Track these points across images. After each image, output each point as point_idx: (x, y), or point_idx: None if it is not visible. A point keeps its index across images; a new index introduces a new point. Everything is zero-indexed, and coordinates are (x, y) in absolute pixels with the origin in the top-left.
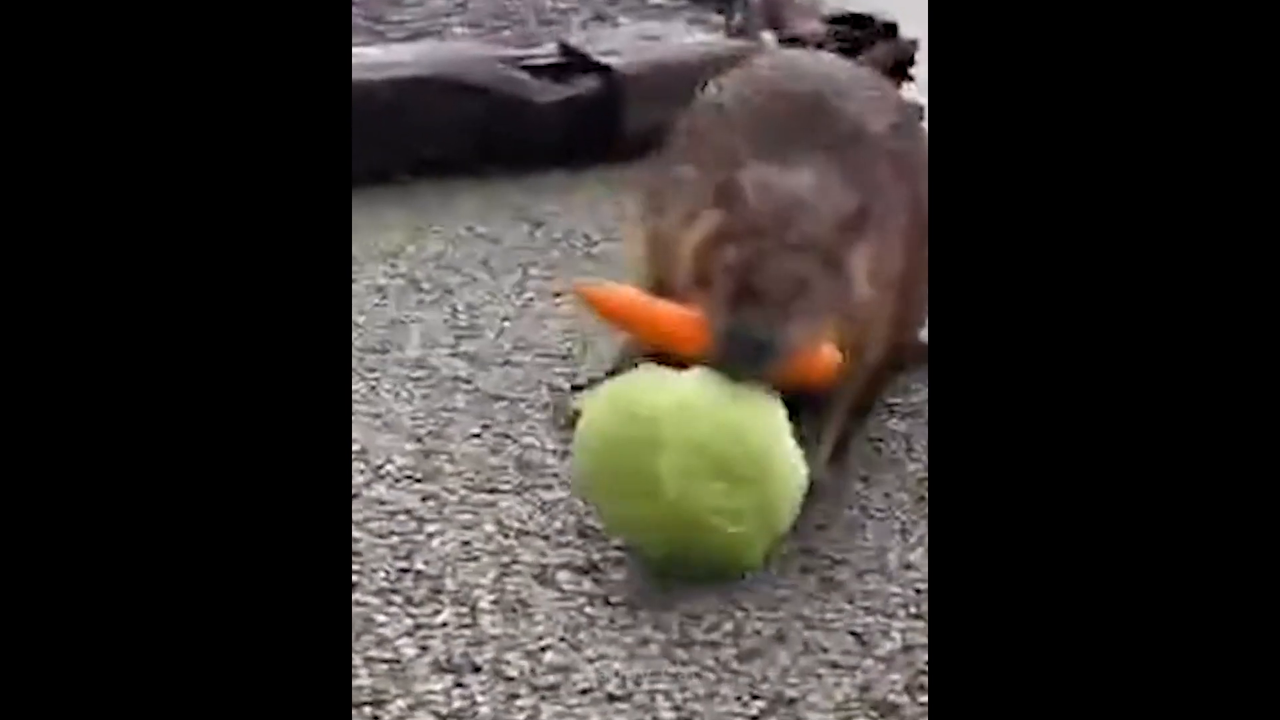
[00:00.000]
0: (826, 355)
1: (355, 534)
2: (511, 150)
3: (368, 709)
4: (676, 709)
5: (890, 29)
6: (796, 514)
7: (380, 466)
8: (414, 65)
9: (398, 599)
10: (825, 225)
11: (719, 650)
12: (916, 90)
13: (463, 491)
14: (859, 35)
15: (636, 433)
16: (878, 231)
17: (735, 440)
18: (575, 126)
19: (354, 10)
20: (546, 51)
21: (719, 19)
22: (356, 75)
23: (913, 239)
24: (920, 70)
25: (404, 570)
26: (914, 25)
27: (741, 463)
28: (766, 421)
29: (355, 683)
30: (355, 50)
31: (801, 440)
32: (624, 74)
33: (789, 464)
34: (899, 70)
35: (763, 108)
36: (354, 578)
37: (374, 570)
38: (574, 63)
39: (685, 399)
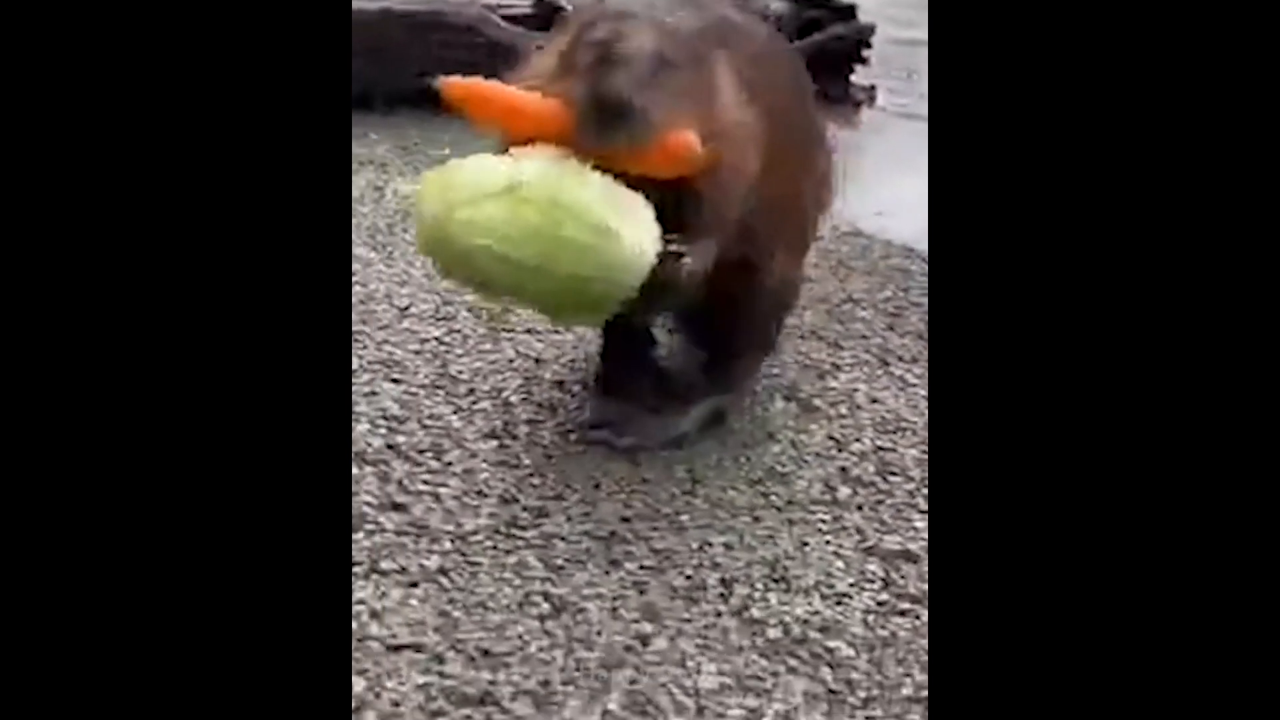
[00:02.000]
0: (684, 140)
1: (394, 351)
2: None
3: (427, 455)
4: (690, 473)
5: (849, 10)
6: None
7: (406, 308)
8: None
9: (440, 392)
10: (690, 24)
11: (723, 437)
12: (864, 76)
13: (482, 331)
14: (818, 15)
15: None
16: (737, 65)
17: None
18: None
19: None
20: (524, 2)
21: None
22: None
23: (781, 146)
24: (873, 54)
25: (441, 373)
26: (871, 13)
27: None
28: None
29: (413, 439)
30: None
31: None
32: None
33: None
34: (855, 52)
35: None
36: (399, 377)
37: (416, 371)
38: (548, 14)
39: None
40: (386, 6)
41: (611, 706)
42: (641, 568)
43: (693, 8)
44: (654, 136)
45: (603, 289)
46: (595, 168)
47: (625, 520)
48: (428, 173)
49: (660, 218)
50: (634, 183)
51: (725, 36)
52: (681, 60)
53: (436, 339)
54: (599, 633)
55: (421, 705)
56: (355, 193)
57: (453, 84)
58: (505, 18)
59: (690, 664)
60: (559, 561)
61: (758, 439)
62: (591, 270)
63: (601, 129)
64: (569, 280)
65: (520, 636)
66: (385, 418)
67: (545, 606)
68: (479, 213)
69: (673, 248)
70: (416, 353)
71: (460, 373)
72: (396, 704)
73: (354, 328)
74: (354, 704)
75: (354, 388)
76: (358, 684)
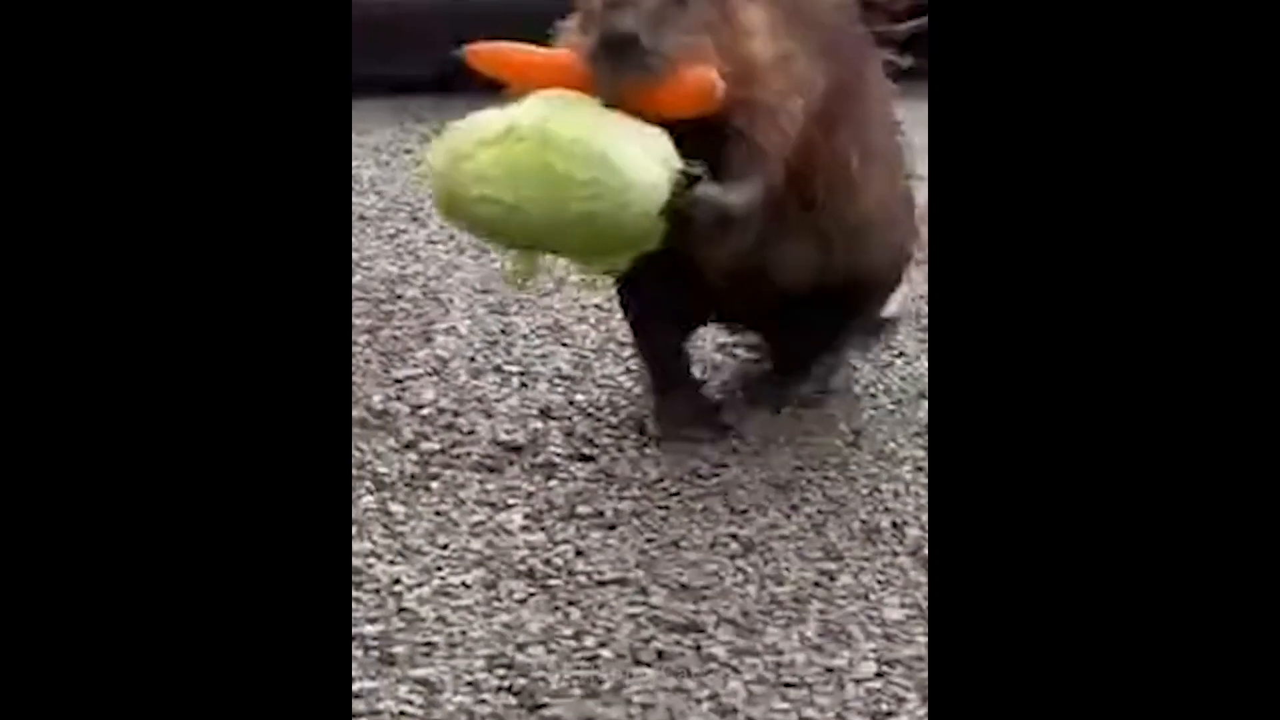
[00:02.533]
0: (705, 75)
1: (560, 317)
2: None
3: (605, 412)
4: (852, 427)
5: None
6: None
7: (563, 279)
8: None
9: (609, 355)
10: None
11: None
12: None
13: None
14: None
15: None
16: (774, 9)
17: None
18: None
19: None
20: None
21: None
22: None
23: (838, 69)
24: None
25: (608, 337)
26: None
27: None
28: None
29: (590, 396)
30: None
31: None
32: None
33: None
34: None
35: None
36: (568, 341)
37: (585, 335)
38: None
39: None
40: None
41: (808, 634)
42: (819, 511)
43: None
44: (666, 72)
45: (611, 219)
46: (613, 109)
47: (798, 469)
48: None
49: (699, 158)
50: (662, 124)
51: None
52: (700, 4)
53: (597, 306)
54: (787, 569)
55: (633, 632)
56: None
57: (476, 49)
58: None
59: (874, 597)
60: (742, 506)
61: (910, 396)
62: (593, 202)
63: (612, 67)
64: (577, 218)
65: (715, 572)
66: (561, 377)
67: (735, 546)
68: (476, 162)
69: (698, 172)
70: (580, 319)
71: (625, 336)
72: (610, 630)
73: (519, 296)
74: (572, 631)
75: (529, 350)
76: (573, 613)
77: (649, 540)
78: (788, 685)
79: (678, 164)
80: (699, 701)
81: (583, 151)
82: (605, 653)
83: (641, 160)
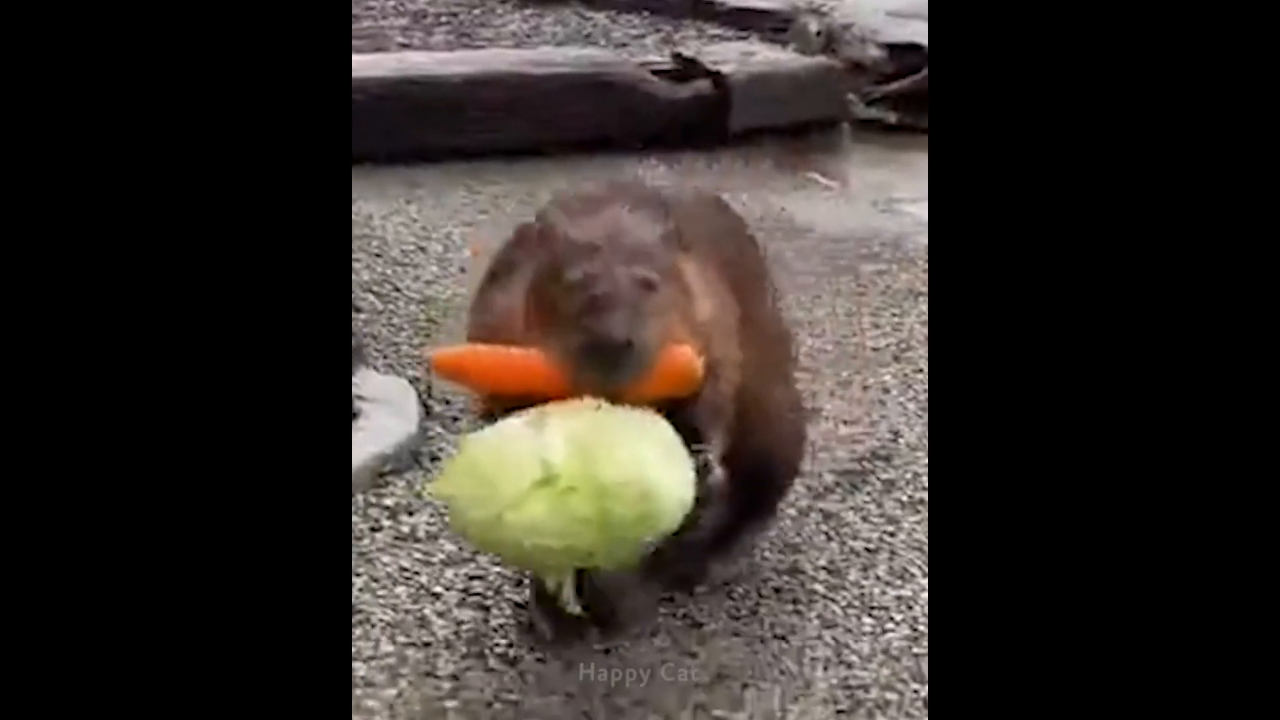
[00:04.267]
0: (684, 357)
1: None
2: (639, 136)
3: None
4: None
5: None
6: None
7: None
8: (565, 64)
9: None
10: (651, 236)
11: None
12: None
13: None
14: (917, 61)
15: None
16: (699, 259)
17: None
18: (692, 120)
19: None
20: (663, 59)
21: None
22: (521, 70)
23: (744, 291)
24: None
25: None
26: None
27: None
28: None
29: None
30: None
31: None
32: (733, 78)
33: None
34: None
35: (571, 198)
36: None
37: None
38: (689, 69)
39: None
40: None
41: None
42: None
43: (643, 209)
44: (654, 364)
45: (657, 537)
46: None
47: None
48: (450, 463)
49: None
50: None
51: (681, 232)
52: (657, 277)
53: None
54: None
55: None
56: None
57: (442, 355)
58: (654, 71)
59: None
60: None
61: None
62: (647, 531)
63: (605, 373)
64: (630, 545)
65: None
66: None
67: None
68: (525, 514)
69: (703, 459)
70: None
71: None
72: None
73: None
74: None
75: None
76: None
77: None
78: None
79: (689, 460)
80: None
81: (635, 492)
82: None
83: (681, 479)
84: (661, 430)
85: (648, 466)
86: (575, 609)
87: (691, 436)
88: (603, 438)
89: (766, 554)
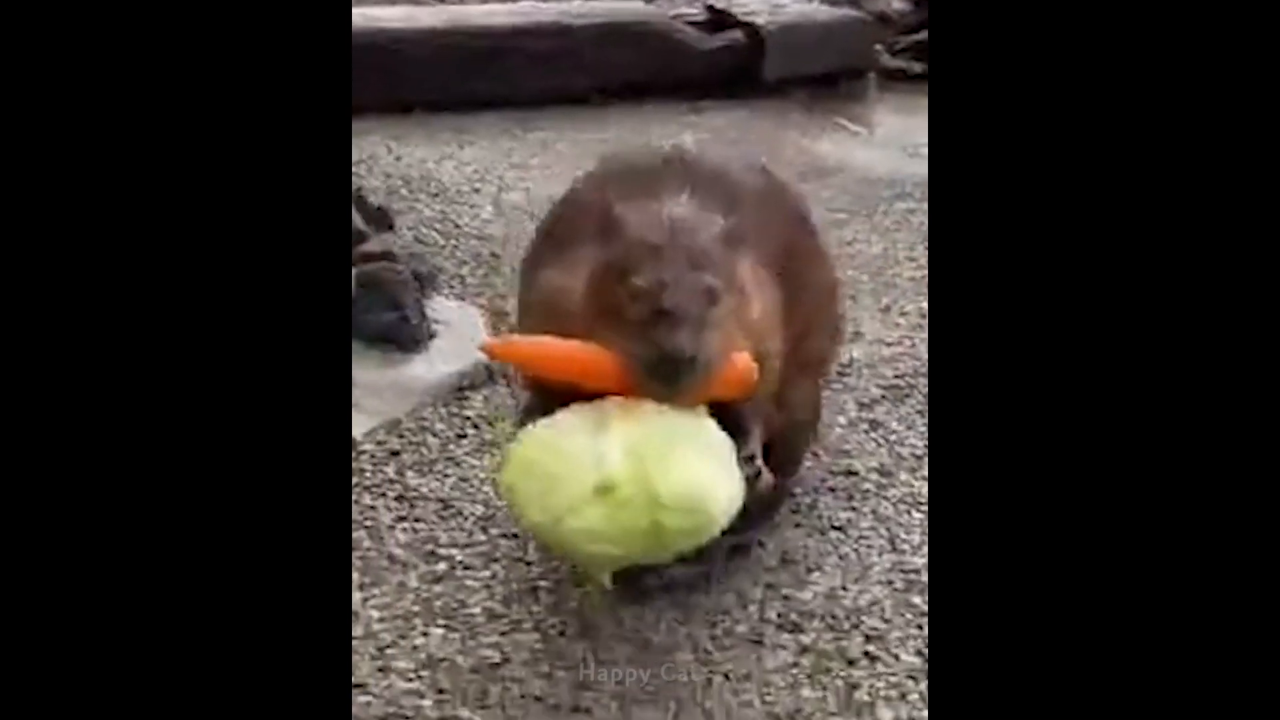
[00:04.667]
0: (744, 363)
1: None
2: (675, 84)
3: None
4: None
5: None
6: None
7: None
8: (603, 15)
9: None
10: (713, 241)
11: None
12: None
13: None
14: None
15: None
16: (753, 249)
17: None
18: (726, 69)
19: None
20: (696, 10)
21: None
22: (563, 20)
23: (787, 268)
24: None
25: None
26: None
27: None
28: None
29: None
30: (557, 4)
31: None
32: (765, 29)
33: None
34: None
35: (625, 172)
36: None
37: None
38: (722, 20)
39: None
40: (588, 22)
41: None
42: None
43: (702, 197)
44: (715, 374)
45: (701, 541)
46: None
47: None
48: (512, 453)
49: (724, 423)
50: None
51: (742, 228)
52: (720, 285)
53: None
54: None
55: None
56: None
57: (494, 344)
58: (688, 22)
59: None
60: None
61: None
62: (695, 540)
63: (670, 386)
64: (674, 550)
65: None
66: None
67: None
68: (584, 521)
69: (751, 468)
70: None
71: None
72: None
73: None
74: None
75: None
76: None
77: None
78: None
79: (737, 467)
80: None
81: (687, 506)
82: None
83: (731, 491)
84: (714, 438)
85: (701, 481)
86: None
87: (737, 430)
88: (659, 450)
89: (823, 458)
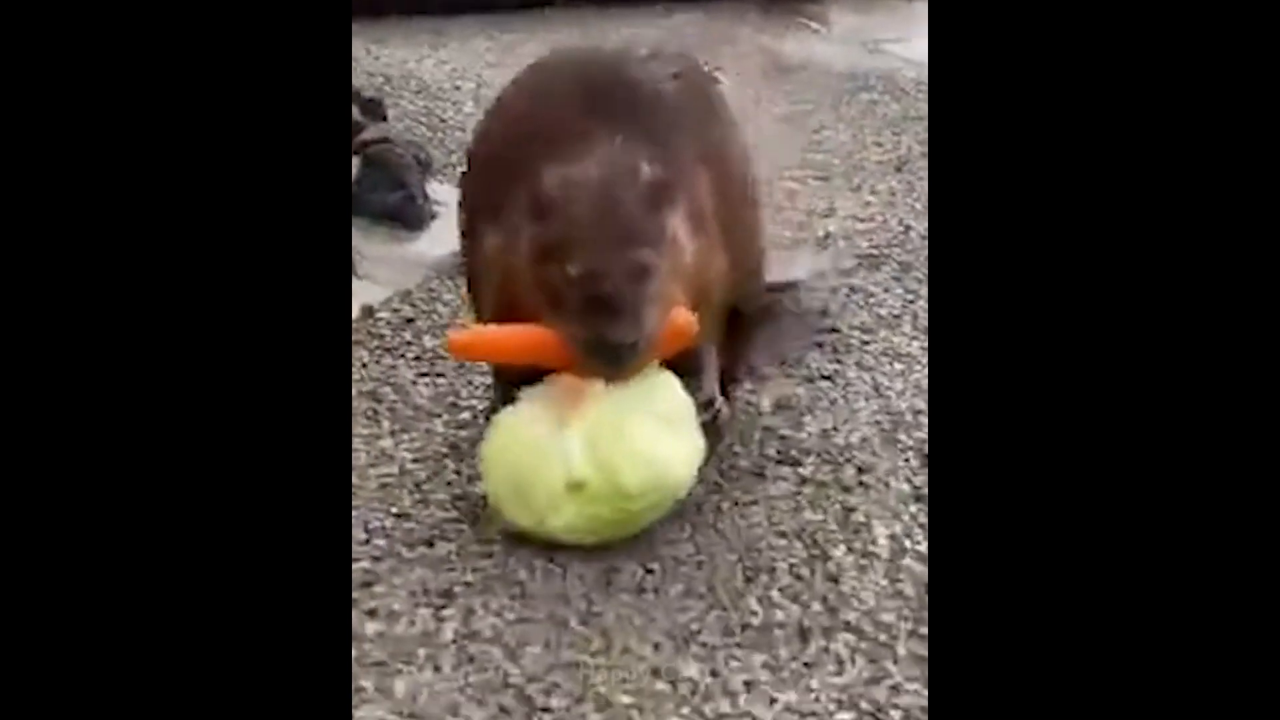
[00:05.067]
0: (683, 321)
1: None
2: None
3: None
4: None
5: None
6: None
7: None
8: None
9: None
10: (641, 207)
11: None
12: None
13: None
14: None
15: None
16: (685, 188)
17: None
18: None
19: None
20: None
21: None
22: None
23: (724, 187)
24: None
25: None
26: None
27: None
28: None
29: None
30: None
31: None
32: None
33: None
34: None
35: (552, 95)
36: None
37: None
38: None
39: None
40: None
41: None
42: None
43: (628, 152)
44: (654, 346)
45: (668, 508)
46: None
47: None
48: (485, 459)
49: (680, 370)
50: None
51: (668, 176)
52: (652, 258)
53: None
54: None
55: None
56: None
57: (454, 339)
58: None
59: None
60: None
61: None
62: (665, 508)
63: (611, 367)
64: (648, 521)
65: None
66: None
67: None
68: (561, 518)
69: (709, 413)
70: None
71: None
72: None
73: None
74: None
75: None
76: None
77: None
78: None
79: (698, 427)
80: None
81: (651, 488)
82: None
83: (690, 450)
84: (667, 404)
85: (661, 460)
86: None
87: (691, 370)
88: (615, 434)
89: (809, 319)
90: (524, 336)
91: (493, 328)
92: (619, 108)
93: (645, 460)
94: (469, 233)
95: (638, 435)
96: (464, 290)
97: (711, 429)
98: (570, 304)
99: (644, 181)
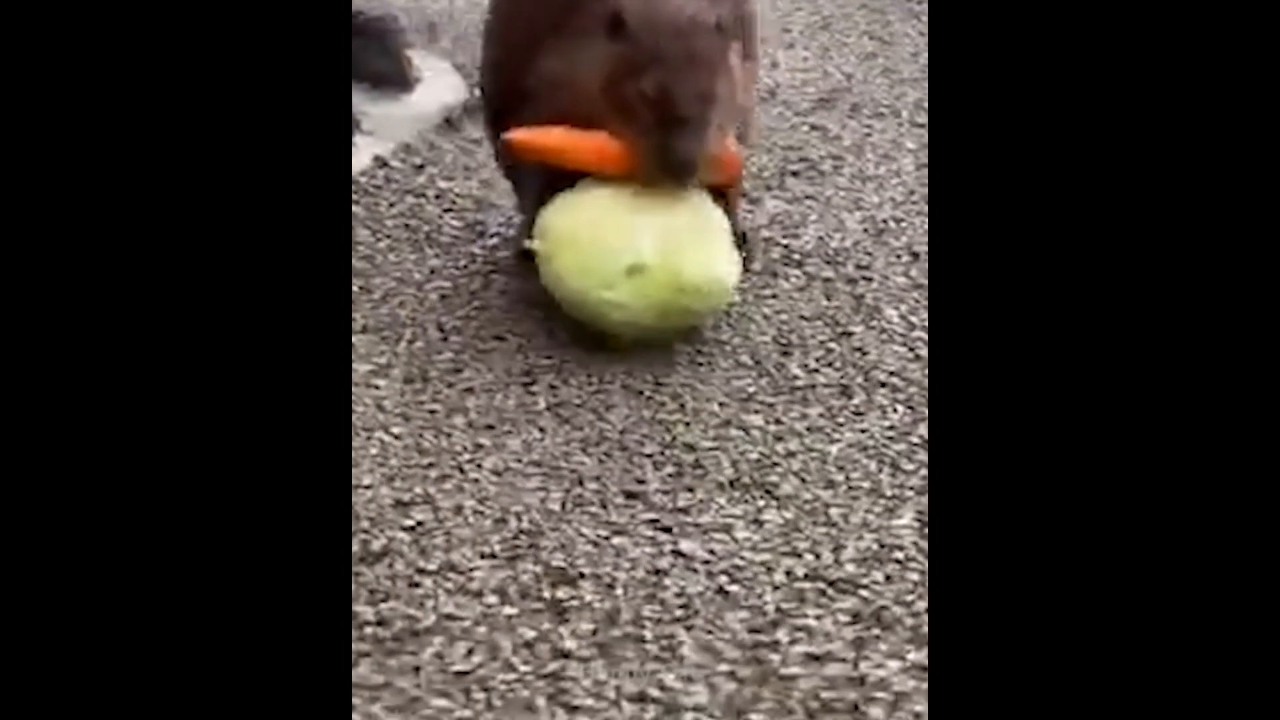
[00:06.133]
0: (734, 154)
1: None
2: None
3: None
4: None
5: None
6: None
7: None
8: None
9: None
10: (709, 38)
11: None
12: None
13: None
14: None
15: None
16: (737, 26)
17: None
18: None
19: None
20: None
21: None
22: None
23: (750, 30)
24: None
25: None
26: None
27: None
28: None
29: None
30: None
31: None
32: None
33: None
34: None
35: None
36: None
37: None
38: None
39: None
40: None
41: None
42: None
43: None
44: (710, 168)
45: (710, 316)
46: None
47: None
48: (548, 225)
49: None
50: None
51: (726, 16)
52: (718, 86)
53: None
54: None
55: None
56: None
57: (515, 138)
58: None
59: None
60: None
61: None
62: (707, 316)
63: (674, 180)
64: (688, 324)
65: None
66: None
67: None
68: (615, 295)
69: (743, 233)
70: None
71: None
72: None
73: None
74: None
75: None
76: None
77: None
78: None
79: (733, 245)
80: None
81: (705, 290)
82: None
83: (735, 272)
84: (721, 223)
85: (716, 269)
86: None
87: (726, 211)
88: (685, 240)
89: (780, 149)
90: (587, 141)
91: (556, 130)
92: None
93: (705, 262)
94: (514, 55)
95: (700, 239)
96: (485, 129)
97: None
98: (643, 116)
99: (709, 16)
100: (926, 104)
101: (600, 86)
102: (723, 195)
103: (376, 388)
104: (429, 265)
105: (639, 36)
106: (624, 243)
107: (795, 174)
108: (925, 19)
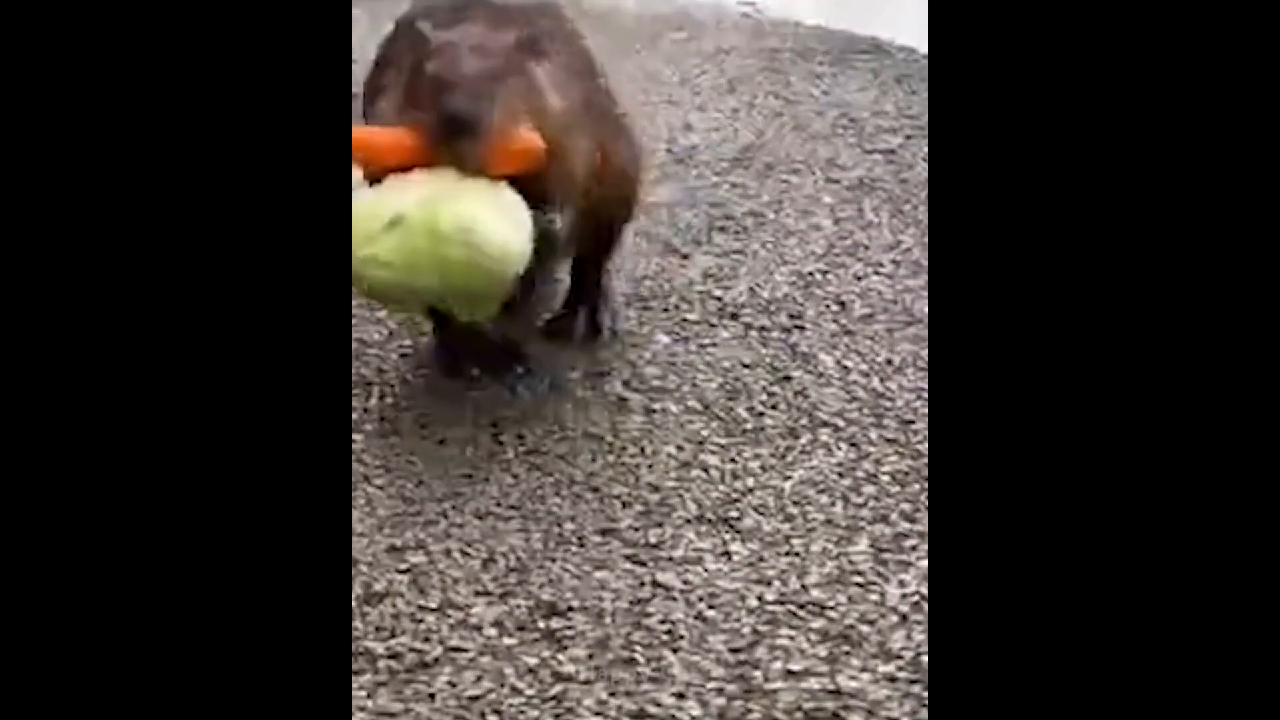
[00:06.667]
0: (530, 139)
1: None
2: None
3: None
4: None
5: None
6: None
7: None
8: None
9: None
10: (503, 43)
11: None
12: None
13: None
14: None
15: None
16: (552, 64)
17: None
18: None
19: None
20: None
21: None
22: None
23: (588, 81)
24: None
25: None
26: None
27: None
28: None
29: None
30: None
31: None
32: None
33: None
34: None
35: (442, 16)
36: None
37: None
38: None
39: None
40: None
41: None
42: None
43: (500, 21)
44: (497, 140)
45: (486, 283)
46: (462, 177)
47: None
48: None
49: (531, 201)
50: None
51: (539, 41)
52: (504, 66)
53: None
54: None
55: None
56: None
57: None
58: None
59: None
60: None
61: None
62: (475, 277)
63: (452, 141)
64: (460, 288)
65: None
66: None
67: None
68: (375, 248)
69: (546, 220)
70: None
71: None
72: None
73: None
74: None
75: None
76: None
77: None
78: None
79: (526, 220)
80: None
81: (464, 238)
82: None
83: (512, 234)
84: (504, 196)
85: (480, 220)
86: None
87: (540, 205)
88: (448, 195)
89: (705, 207)
90: (383, 134)
91: (367, 127)
92: (500, 13)
93: (467, 216)
94: (368, 101)
95: (465, 200)
96: None
97: (545, 240)
98: (425, 93)
99: (513, 37)
100: (838, 160)
101: (401, 90)
102: (539, 190)
103: (354, 442)
104: (388, 327)
105: (431, 40)
106: (391, 200)
107: (722, 229)
108: (826, 80)
